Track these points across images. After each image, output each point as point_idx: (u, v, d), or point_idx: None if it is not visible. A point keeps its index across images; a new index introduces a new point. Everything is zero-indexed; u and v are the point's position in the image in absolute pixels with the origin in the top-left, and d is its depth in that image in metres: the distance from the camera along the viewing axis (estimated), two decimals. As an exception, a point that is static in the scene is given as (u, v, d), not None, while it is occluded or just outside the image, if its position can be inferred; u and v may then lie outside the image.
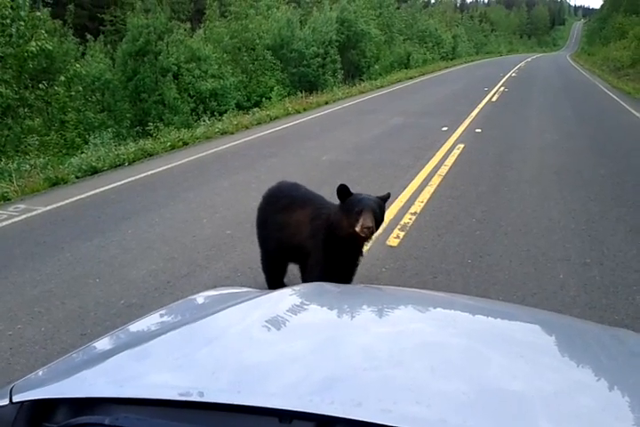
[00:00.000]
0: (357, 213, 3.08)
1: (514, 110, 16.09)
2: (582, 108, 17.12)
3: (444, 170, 8.41)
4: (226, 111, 17.75)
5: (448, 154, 9.60)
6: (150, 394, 1.06)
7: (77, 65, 16.48)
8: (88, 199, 7.28)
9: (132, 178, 8.35)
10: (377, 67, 32.51)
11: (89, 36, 21.33)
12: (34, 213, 6.73)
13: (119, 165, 9.30)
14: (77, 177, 8.54)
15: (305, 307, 1.71)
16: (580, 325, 1.79)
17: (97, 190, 7.65)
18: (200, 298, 1.94)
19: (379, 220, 3.16)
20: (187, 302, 1.91)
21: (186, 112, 19.21)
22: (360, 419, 0.95)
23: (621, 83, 25.15)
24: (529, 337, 1.49)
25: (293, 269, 4.08)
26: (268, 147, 10.75)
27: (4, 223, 6.35)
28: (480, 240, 5.54)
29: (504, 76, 29.45)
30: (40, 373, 1.30)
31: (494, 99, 18.86)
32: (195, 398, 1.03)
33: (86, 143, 13.84)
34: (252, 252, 5.17)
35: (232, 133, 12.57)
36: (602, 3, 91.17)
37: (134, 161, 9.65)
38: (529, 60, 53.94)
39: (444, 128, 12.35)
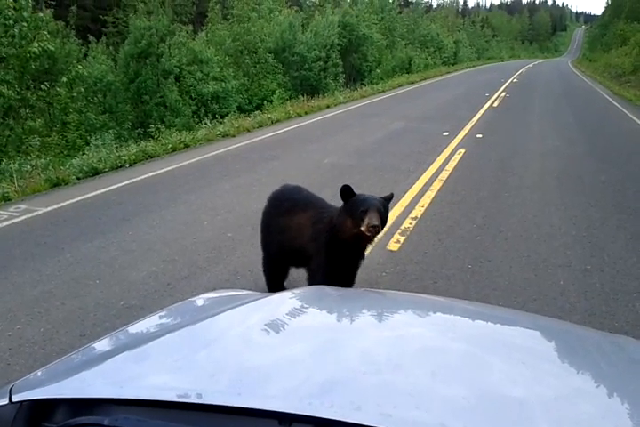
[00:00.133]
0: (362, 212, 3.08)
1: (515, 116, 16.11)
2: (583, 114, 17.14)
3: (444, 175, 8.41)
4: (227, 114, 17.77)
5: (449, 159, 9.61)
6: (149, 395, 1.06)
7: (79, 66, 16.44)
8: (89, 200, 7.28)
9: (133, 179, 8.36)
10: (378, 71, 32.56)
11: (91, 38, 21.41)
12: (34, 213, 6.72)
13: (120, 167, 9.30)
14: (78, 178, 8.54)
15: (305, 310, 1.71)
16: (580, 331, 1.79)
17: (98, 192, 7.65)
18: (200, 300, 1.94)
19: (384, 219, 3.16)
20: (187, 303, 1.91)
21: (187, 114, 19.23)
22: (360, 423, 0.94)
23: (623, 89, 25.19)
24: (529, 343, 1.48)
25: (293, 273, 4.08)
26: (270, 150, 10.75)
27: (5, 224, 6.35)
28: (480, 245, 5.54)
29: (505, 82, 29.51)
30: (39, 373, 1.30)
31: (495, 104, 18.88)
32: (193, 399, 1.03)
33: (87, 144, 13.86)
34: (252, 255, 5.18)
35: (233, 136, 12.58)
36: (603, 9, 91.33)
37: (135, 163, 9.65)
38: (530, 65, 54.02)
39: (446, 133, 12.37)
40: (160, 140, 11.51)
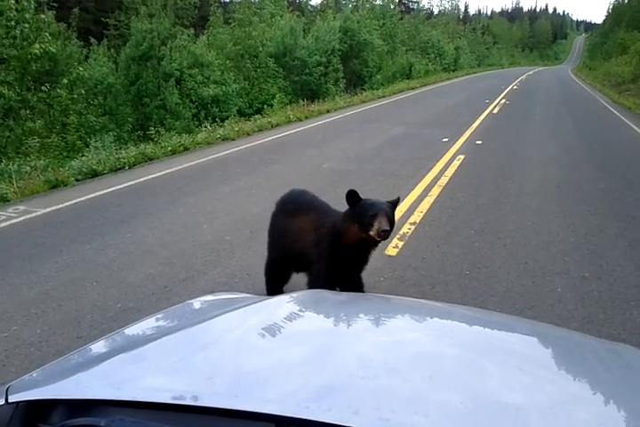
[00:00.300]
0: (372, 216, 3.05)
1: (515, 123, 16.14)
2: (583, 122, 17.18)
3: (444, 180, 8.42)
4: (227, 117, 17.77)
5: (448, 165, 9.62)
6: (146, 397, 1.06)
7: (80, 68, 16.50)
8: (88, 202, 7.27)
9: (133, 182, 8.36)
10: (379, 77, 32.62)
11: (93, 40, 21.40)
12: (33, 214, 6.72)
13: (119, 169, 9.30)
14: (77, 180, 8.55)
15: (303, 314, 1.71)
16: (578, 338, 1.79)
17: (97, 193, 7.65)
18: (197, 303, 1.94)
19: (392, 224, 3.13)
20: (184, 306, 1.91)
21: (187, 117, 19.24)
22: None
23: (622, 98, 25.24)
24: (526, 349, 1.48)
25: (293, 278, 4.07)
26: (269, 154, 10.76)
27: (3, 224, 6.34)
28: (479, 252, 5.54)
29: (505, 89, 29.59)
30: (36, 374, 1.30)
31: (495, 111, 18.92)
32: (189, 402, 1.03)
33: (87, 146, 13.83)
34: (250, 258, 5.18)
35: (233, 140, 12.59)
36: (604, 18, 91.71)
37: (135, 165, 9.66)
38: (530, 73, 54.18)
39: (445, 139, 12.39)
40: (160, 143, 11.52)
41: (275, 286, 3.99)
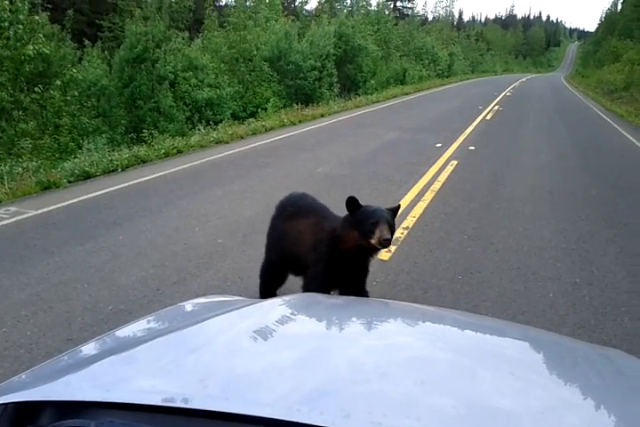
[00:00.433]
0: (373, 224, 3.01)
1: (508, 129, 16.22)
2: (576, 129, 17.28)
3: (437, 186, 8.44)
4: (221, 121, 17.78)
5: (441, 170, 9.65)
6: (136, 399, 1.05)
7: (74, 70, 16.43)
8: (80, 204, 7.24)
9: (125, 184, 8.34)
10: (373, 82, 32.72)
11: (87, 42, 21.32)
12: (24, 216, 6.69)
13: (112, 171, 9.28)
14: (70, 181, 8.51)
15: (295, 317, 1.71)
16: (570, 343, 1.79)
17: (89, 195, 7.63)
18: (189, 305, 1.92)
19: (393, 232, 3.11)
20: (176, 308, 1.90)
21: (181, 120, 19.22)
22: None
23: (614, 105, 25.41)
24: (518, 354, 1.48)
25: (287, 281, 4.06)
26: (263, 157, 10.76)
27: (-6, 226, 6.31)
28: (471, 257, 5.55)
29: (499, 95, 29.74)
30: (25, 375, 1.28)
31: (488, 117, 19.01)
32: (180, 404, 1.02)
33: (80, 148, 13.78)
34: (242, 261, 5.17)
35: (227, 143, 12.59)
36: (597, 26, 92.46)
37: (127, 167, 9.63)
38: (524, 80, 54.47)
39: (438, 144, 12.43)
40: (153, 146, 11.50)
41: (269, 289, 3.98)
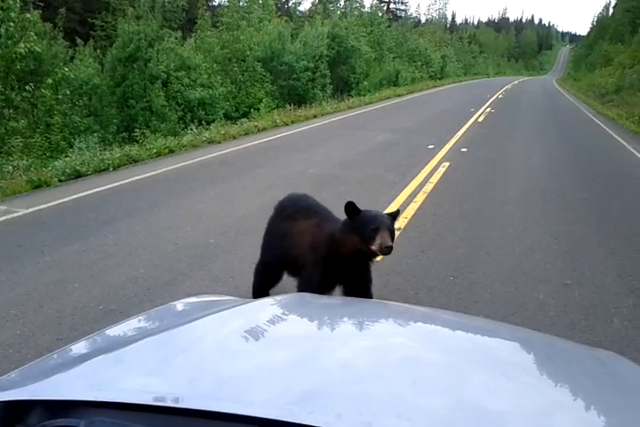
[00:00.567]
0: (373, 230, 2.97)
1: (500, 131, 16.29)
2: (567, 132, 17.35)
3: (428, 187, 8.46)
4: (214, 121, 17.75)
5: (433, 172, 9.66)
6: (126, 398, 1.04)
7: (66, 68, 16.34)
8: (71, 203, 7.21)
9: (117, 183, 8.30)
10: (366, 83, 32.76)
11: (79, 41, 21.21)
12: (15, 214, 6.64)
13: (104, 170, 9.24)
14: (61, 180, 8.47)
15: (286, 317, 1.70)
16: (561, 344, 1.80)
17: (80, 194, 7.59)
18: (181, 305, 1.92)
19: (393, 237, 3.06)
20: (167, 308, 1.89)
21: (173, 120, 19.17)
22: None
23: (605, 109, 25.56)
24: (510, 355, 1.48)
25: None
26: (255, 157, 10.76)
27: (-17, 224, 6.27)
28: (463, 258, 5.56)
29: (491, 98, 29.85)
30: (14, 374, 1.27)
31: (481, 119, 19.07)
32: (171, 403, 1.02)
33: (71, 147, 13.75)
34: (234, 261, 5.16)
35: (219, 143, 12.57)
36: (589, 30, 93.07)
37: (119, 166, 9.60)
38: (516, 82, 54.70)
39: (431, 146, 12.45)
40: (145, 145, 11.47)
41: (262, 288, 3.96)
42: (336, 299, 2.54)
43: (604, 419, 1.18)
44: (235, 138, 13.36)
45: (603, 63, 45.23)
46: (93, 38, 23.92)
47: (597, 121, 21.22)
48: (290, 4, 43.21)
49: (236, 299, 2.01)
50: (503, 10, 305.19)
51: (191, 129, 14.43)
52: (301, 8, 43.81)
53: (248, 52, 24.09)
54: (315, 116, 18.37)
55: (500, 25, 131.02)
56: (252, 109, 21.59)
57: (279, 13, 32.75)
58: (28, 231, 6.04)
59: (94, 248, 5.50)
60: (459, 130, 15.59)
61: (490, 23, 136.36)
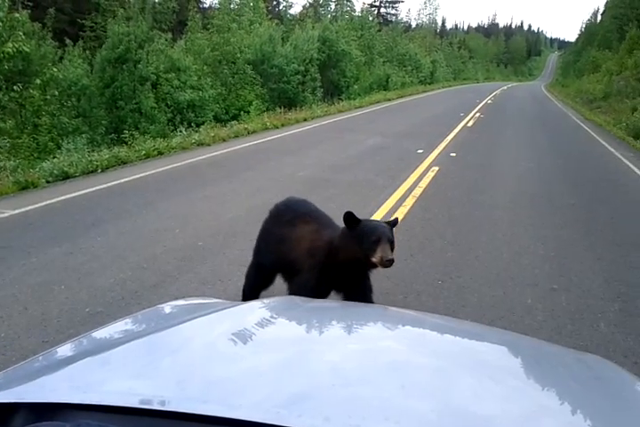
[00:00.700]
0: (374, 242, 2.94)
1: (488, 136, 16.37)
2: (556, 137, 17.46)
3: (418, 191, 8.48)
4: (203, 123, 17.71)
5: (423, 176, 9.70)
6: (112, 401, 1.03)
7: (54, 69, 16.26)
8: (58, 204, 7.16)
9: (105, 185, 8.26)
10: (356, 87, 32.84)
11: (68, 41, 21.09)
12: (1, 216, 6.59)
13: (92, 172, 9.19)
14: (48, 182, 8.41)
15: (274, 320, 1.69)
16: (548, 348, 1.80)
17: (68, 196, 7.54)
18: (168, 307, 1.90)
19: (393, 248, 3.04)
20: (154, 310, 1.88)
21: (162, 122, 19.11)
22: None
23: (593, 115, 25.77)
24: (497, 358, 1.49)
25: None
26: (245, 160, 10.74)
27: (-31, 225, 6.21)
28: (451, 262, 5.58)
29: (480, 103, 30.02)
30: (-2, 377, 1.26)
31: (470, 124, 19.16)
32: (157, 406, 1.01)
33: (59, 148, 13.65)
34: (223, 264, 5.14)
35: (209, 145, 12.55)
36: (577, 36, 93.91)
37: (107, 168, 9.55)
38: (505, 88, 55.06)
39: (420, 150, 12.49)
40: (134, 147, 11.43)
41: (253, 291, 3.93)
42: (325, 302, 2.54)
43: (591, 422, 1.18)
44: (224, 140, 13.34)
45: (591, 69, 45.64)
46: (83, 39, 23.81)
47: (585, 127, 21.39)
48: (280, 7, 43.28)
49: (224, 302, 2.00)
50: (493, 15, 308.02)
51: (180, 131, 14.38)
52: (292, 11, 43.85)
53: (238, 55, 24.10)
54: (305, 120, 18.39)
55: (490, 30, 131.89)
56: (242, 112, 21.59)
57: (270, 16, 32.79)
58: (14, 233, 5.99)
59: (82, 250, 5.46)
60: (448, 134, 15.66)
61: (479, 29, 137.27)
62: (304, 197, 3.90)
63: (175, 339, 1.42)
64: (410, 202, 7.81)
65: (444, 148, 13.28)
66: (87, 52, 21.46)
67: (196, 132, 14.21)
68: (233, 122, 16.77)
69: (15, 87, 14.17)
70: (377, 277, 5.02)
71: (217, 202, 7.39)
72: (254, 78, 24.49)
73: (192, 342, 1.37)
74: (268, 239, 3.75)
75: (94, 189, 8.00)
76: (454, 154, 12.37)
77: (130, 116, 18.60)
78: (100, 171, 9.30)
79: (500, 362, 1.45)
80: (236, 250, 5.44)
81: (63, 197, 7.45)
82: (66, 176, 8.70)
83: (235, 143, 12.99)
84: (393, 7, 71.59)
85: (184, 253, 5.48)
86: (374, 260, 2.97)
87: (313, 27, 31.19)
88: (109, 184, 8.34)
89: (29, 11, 17.19)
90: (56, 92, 16.61)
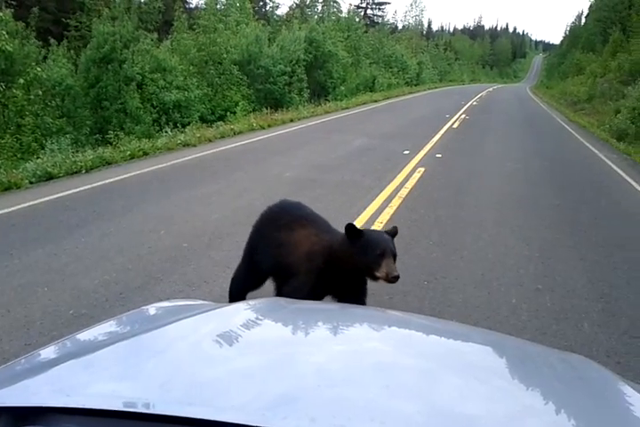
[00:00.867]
0: (379, 256, 2.91)
1: (474, 138, 16.46)
2: (540, 139, 17.58)
3: (404, 192, 8.50)
4: (189, 123, 17.66)
5: (409, 177, 9.72)
6: (96, 404, 1.02)
7: (38, 68, 16.13)
8: (41, 205, 7.09)
9: (89, 186, 8.20)
10: (343, 88, 32.92)
11: (52, 41, 20.90)
12: (-17, 217, 6.52)
13: (76, 173, 9.12)
14: (31, 182, 8.34)
15: (259, 322, 1.69)
16: (532, 348, 1.81)
17: (51, 197, 7.48)
18: (153, 309, 1.89)
19: (395, 260, 3.03)
20: (139, 312, 1.86)
21: (148, 122, 19.01)
22: None
23: (577, 116, 26.01)
24: (483, 359, 1.49)
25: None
26: (231, 161, 10.72)
27: (-49, 226, 6.13)
28: (437, 263, 5.60)
29: (466, 104, 30.18)
30: (-21, 381, 1.24)
31: (455, 125, 19.26)
32: (141, 409, 1.00)
33: (43, 148, 13.52)
34: (208, 265, 5.12)
35: (194, 146, 12.50)
36: (562, 39, 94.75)
37: (92, 169, 9.48)
38: (490, 89, 55.39)
39: (406, 151, 12.53)
40: (119, 147, 11.37)
41: (240, 293, 3.89)
42: (311, 304, 2.54)
43: (574, 422, 1.19)
44: (210, 141, 13.30)
45: (575, 72, 46.06)
46: (67, 38, 23.60)
47: (569, 129, 21.57)
48: (267, 8, 43.27)
49: (209, 303, 2.00)
50: (478, 18, 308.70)
51: (166, 131, 14.32)
52: (279, 12, 44.01)
53: (225, 55, 24.05)
54: (291, 120, 18.40)
55: (476, 32, 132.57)
56: (229, 113, 21.55)
57: (256, 17, 32.75)
58: (-3, 234, 5.93)
59: (65, 251, 5.42)
60: (434, 136, 15.72)
61: (465, 31, 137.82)
62: (291, 197, 3.89)
63: (160, 341, 1.41)
64: (396, 203, 7.82)
65: (430, 149, 13.33)
66: (72, 51, 21.28)
67: (182, 132, 14.16)
68: (219, 122, 16.75)
69: (-2, 87, 14.05)
70: (363, 277, 5.03)
71: (202, 203, 7.36)
72: (241, 79, 24.45)
73: (177, 344, 1.36)
74: (264, 243, 3.67)
75: (78, 189, 7.94)
76: (440, 155, 12.42)
77: (115, 117, 18.49)
78: (84, 171, 9.24)
79: (485, 363, 1.45)
80: (222, 251, 5.42)
81: (46, 198, 7.39)
82: (49, 177, 8.63)
83: (221, 144, 12.96)
84: (379, 9, 72.08)
85: (169, 254, 5.45)
86: (379, 275, 2.95)
87: (300, 28, 31.22)
88: (94, 185, 8.28)
89: (13, 10, 17.01)
90: (40, 92, 16.48)
